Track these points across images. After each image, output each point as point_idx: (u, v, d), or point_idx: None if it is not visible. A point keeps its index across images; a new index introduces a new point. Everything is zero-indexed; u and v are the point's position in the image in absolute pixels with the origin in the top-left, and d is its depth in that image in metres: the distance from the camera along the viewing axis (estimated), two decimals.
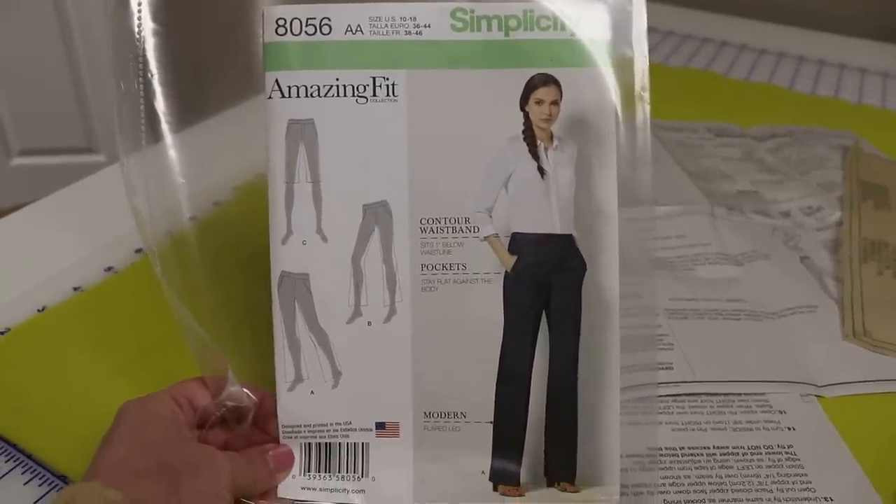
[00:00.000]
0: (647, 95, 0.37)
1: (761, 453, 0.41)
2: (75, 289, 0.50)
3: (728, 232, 0.57)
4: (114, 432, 0.33)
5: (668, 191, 0.61)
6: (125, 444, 0.32)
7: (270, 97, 0.36)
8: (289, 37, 0.36)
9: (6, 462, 0.39)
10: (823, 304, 0.51)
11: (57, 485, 0.38)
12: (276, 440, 0.37)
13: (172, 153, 0.37)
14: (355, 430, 0.37)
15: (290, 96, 0.36)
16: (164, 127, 0.37)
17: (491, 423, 0.37)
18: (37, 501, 0.37)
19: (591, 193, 0.37)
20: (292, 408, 0.37)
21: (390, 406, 0.37)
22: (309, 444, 0.37)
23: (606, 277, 0.37)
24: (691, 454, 0.41)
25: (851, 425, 0.43)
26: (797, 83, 0.86)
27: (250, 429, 0.38)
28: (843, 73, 0.89)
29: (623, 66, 0.37)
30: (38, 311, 0.49)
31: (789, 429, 0.42)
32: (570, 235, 0.37)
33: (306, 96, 0.36)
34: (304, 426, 0.37)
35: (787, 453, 0.41)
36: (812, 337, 0.49)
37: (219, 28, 0.41)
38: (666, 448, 0.41)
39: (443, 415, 0.37)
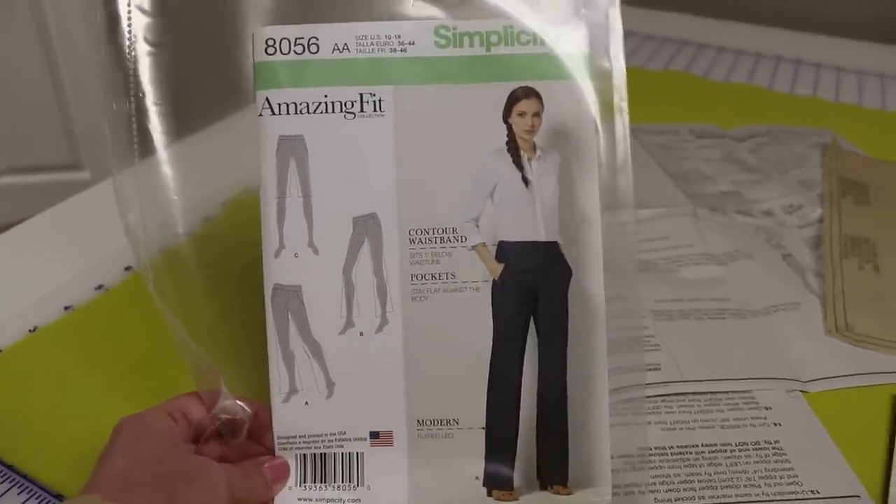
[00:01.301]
0: (625, 106, 0.38)
1: (749, 449, 0.42)
2: (66, 308, 0.51)
3: (711, 232, 0.58)
4: (111, 447, 0.33)
5: (650, 194, 0.62)
6: (122, 458, 0.33)
7: (261, 115, 0.37)
8: (278, 56, 0.37)
9: (2, 482, 0.40)
10: (806, 300, 0.52)
11: (53, 503, 0.39)
12: (272, 452, 0.38)
13: (164, 170, 0.38)
14: (350, 439, 0.38)
15: (280, 113, 0.37)
16: (156, 144, 0.37)
17: (483, 428, 0.38)
18: None
19: (574, 201, 0.38)
20: (287, 419, 0.38)
21: (384, 415, 0.38)
22: (304, 454, 0.38)
23: (592, 283, 0.38)
24: (681, 453, 0.42)
25: (836, 419, 0.44)
26: (776, 83, 0.87)
27: (246, 442, 0.38)
28: (819, 71, 0.91)
29: (602, 78, 0.38)
30: (30, 331, 0.49)
31: (775, 424, 0.43)
32: (556, 242, 0.38)
33: (296, 113, 0.37)
34: (300, 437, 0.38)
35: (773, 448, 0.42)
36: (796, 333, 0.50)
37: (206, 45, 0.42)
38: (656, 447, 0.42)
39: (436, 422, 0.38)
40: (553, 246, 0.38)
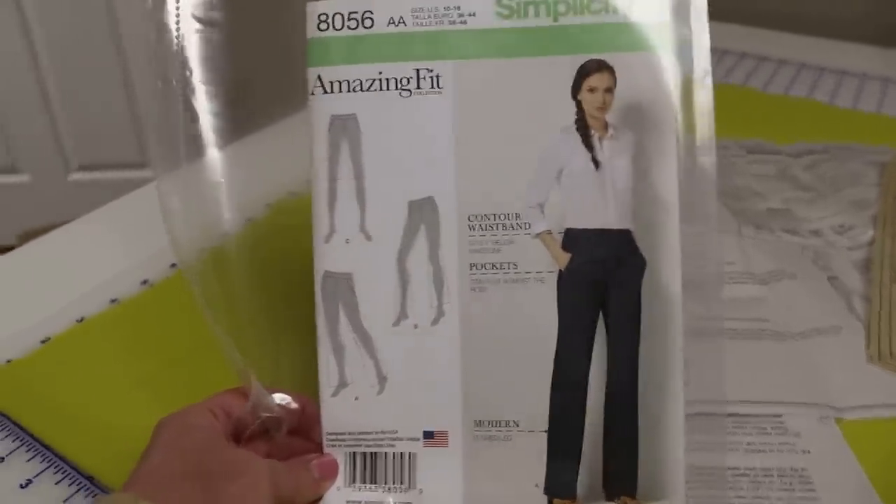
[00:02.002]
0: (709, 80, 0.35)
1: (773, 476, 0.39)
2: (112, 300, 0.51)
3: (755, 251, 0.56)
4: (151, 444, 0.32)
5: (693, 208, 0.60)
6: (161, 455, 0.32)
7: (313, 93, 0.35)
8: (331, 31, 0.35)
9: (41, 462, 0.40)
10: (849, 325, 0.49)
11: (84, 485, 0.39)
12: (321, 449, 0.36)
13: (210, 168, 0.37)
14: (402, 439, 0.35)
15: (332, 92, 0.35)
16: (205, 141, 0.36)
17: (545, 432, 0.35)
18: (66, 500, 0.38)
19: (650, 185, 0.34)
20: (336, 414, 0.35)
21: (439, 414, 0.35)
22: (353, 453, 0.36)
23: (668, 275, 0.34)
24: (700, 474, 0.38)
25: (870, 450, 0.40)
26: (838, 98, 0.82)
27: (293, 438, 0.36)
28: (887, 87, 0.85)
29: (682, 50, 0.34)
30: (77, 321, 0.50)
31: (804, 451, 0.40)
32: (628, 230, 0.34)
33: (349, 91, 0.35)
34: (349, 434, 0.36)
35: (800, 476, 0.39)
36: (835, 358, 0.46)
37: (266, 39, 0.40)
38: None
39: (494, 423, 0.35)
40: (625, 234, 0.34)
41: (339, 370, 0.35)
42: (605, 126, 0.34)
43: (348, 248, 0.35)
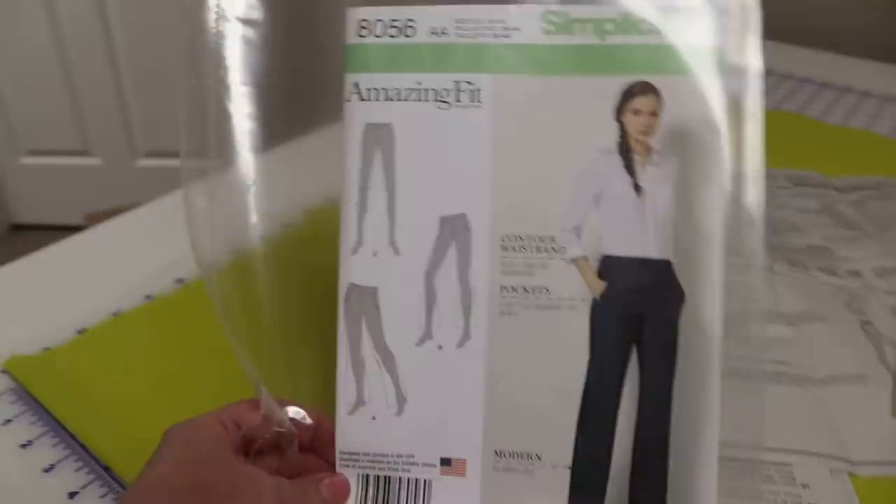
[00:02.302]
0: (759, 111, 0.33)
1: None
2: (147, 297, 0.52)
3: (785, 289, 0.53)
4: (157, 452, 0.31)
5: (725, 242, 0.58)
6: (164, 464, 0.31)
7: (349, 99, 0.34)
8: (371, 38, 0.34)
9: (63, 449, 0.42)
10: (877, 374, 0.47)
11: (101, 475, 0.40)
12: (333, 468, 0.34)
13: (241, 171, 0.36)
14: (418, 464, 0.34)
15: (369, 99, 0.34)
16: (237, 143, 0.35)
17: (569, 468, 0.33)
18: (84, 487, 0.40)
19: (693, 215, 0.33)
20: (351, 433, 0.34)
21: (458, 441, 0.34)
22: (367, 475, 0.34)
23: (708, 310, 0.32)
24: None
25: None
26: None
27: (306, 455, 0.35)
28: None
29: (732, 76, 0.33)
30: (113, 314, 0.51)
31: None
32: (668, 261, 0.33)
33: (386, 99, 0.34)
34: (363, 455, 0.34)
35: None
36: (856, 409, 0.44)
37: (308, 42, 0.40)
38: None
39: (515, 455, 0.33)
40: (665, 265, 0.33)
41: (357, 388, 0.34)
42: (649, 151, 0.33)
43: (375, 262, 0.34)
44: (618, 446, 0.33)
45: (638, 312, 0.33)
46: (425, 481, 0.34)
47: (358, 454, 0.34)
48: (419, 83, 0.34)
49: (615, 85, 0.33)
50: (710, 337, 0.32)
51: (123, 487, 0.40)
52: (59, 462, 0.41)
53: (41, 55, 1.59)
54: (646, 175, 0.33)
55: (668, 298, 0.33)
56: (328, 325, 0.35)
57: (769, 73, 0.85)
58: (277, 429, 0.33)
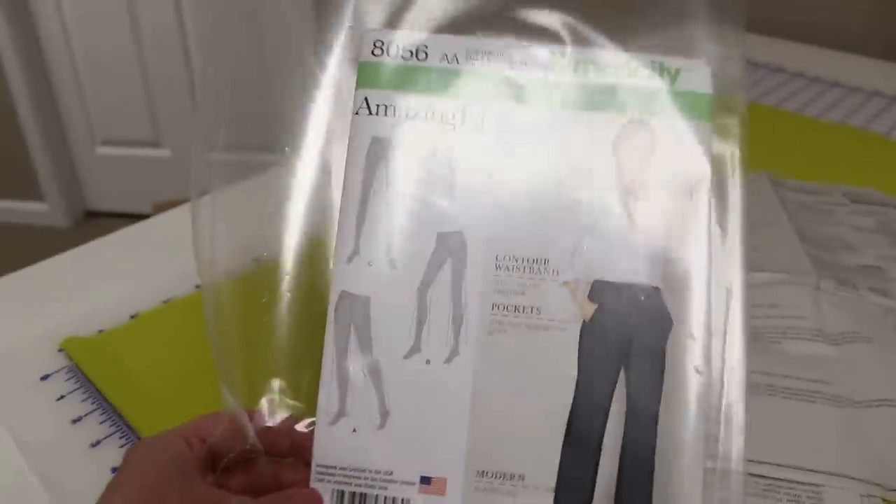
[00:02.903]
0: (743, 153, 0.35)
1: None
2: (197, 286, 0.54)
3: (831, 308, 0.52)
4: (117, 475, 0.30)
5: (771, 256, 0.56)
6: (124, 490, 0.29)
7: (357, 113, 0.35)
8: (384, 58, 0.36)
9: (110, 427, 0.44)
10: None
11: None
12: (307, 483, 0.33)
13: (251, 191, 0.36)
14: (396, 482, 0.33)
15: (377, 114, 0.35)
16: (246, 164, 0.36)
17: (552, 490, 0.32)
18: None
19: (681, 248, 0.34)
20: (330, 445, 0.33)
21: (439, 458, 0.33)
22: (342, 491, 0.33)
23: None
24: None
25: None
26: None
27: (281, 467, 0.33)
28: None
29: (722, 121, 0.35)
30: (164, 301, 0.54)
31: None
32: (657, 288, 0.34)
33: (393, 116, 0.35)
34: (340, 469, 0.33)
35: None
36: (895, 434, 0.43)
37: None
38: None
39: (498, 475, 0.33)
40: (655, 292, 0.34)
41: (340, 398, 0.33)
42: (642, 185, 0.35)
43: (370, 272, 0.34)
44: (602, 469, 0.32)
45: (627, 336, 0.33)
46: (402, 500, 0.33)
47: (335, 468, 0.33)
48: (427, 104, 0.35)
49: (614, 122, 0.35)
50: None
51: None
52: (105, 438, 0.44)
53: (121, 55, 1.73)
54: (638, 207, 0.34)
55: (656, 324, 0.33)
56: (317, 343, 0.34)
57: (836, 84, 0.81)
58: (242, 446, 0.32)
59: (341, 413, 0.33)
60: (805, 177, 0.69)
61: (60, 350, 0.50)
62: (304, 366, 0.35)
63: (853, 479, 0.40)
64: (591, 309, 0.34)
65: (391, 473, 0.33)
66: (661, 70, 0.35)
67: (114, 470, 0.41)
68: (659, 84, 0.35)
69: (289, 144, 0.37)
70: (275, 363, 0.36)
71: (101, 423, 0.44)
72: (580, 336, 0.33)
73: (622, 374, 0.33)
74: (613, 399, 0.33)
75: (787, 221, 0.62)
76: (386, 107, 0.35)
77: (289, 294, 0.36)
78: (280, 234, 0.35)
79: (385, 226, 0.34)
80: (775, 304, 0.52)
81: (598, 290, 0.34)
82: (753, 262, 0.57)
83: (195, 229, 0.36)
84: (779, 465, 0.40)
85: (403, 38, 0.36)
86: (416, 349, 0.34)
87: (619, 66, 0.35)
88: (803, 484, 0.40)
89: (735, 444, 0.33)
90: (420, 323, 0.34)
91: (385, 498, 0.33)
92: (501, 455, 0.33)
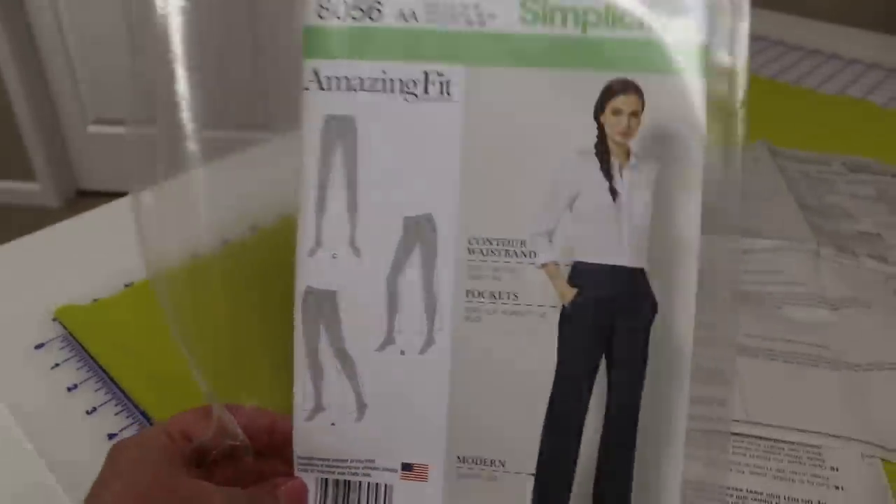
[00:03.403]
0: (743, 112, 0.32)
1: None
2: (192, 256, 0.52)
3: (831, 274, 0.53)
4: (102, 474, 0.30)
5: (773, 224, 0.57)
6: (110, 488, 0.29)
7: (307, 88, 0.31)
8: (332, 20, 0.31)
9: (105, 394, 0.45)
10: None
11: (139, 420, 0.43)
12: (291, 470, 0.33)
13: (194, 182, 0.33)
14: (378, 468, 0.33)
15: (329, 89, 0.31)
16: (190, 154, 0.32)
17: (533, 474, 0.32)
18: (123, 430, 0.43)
19: (670, 223, 0.31)
20: (309, 439, 0.33)
21: (420, 446, 0.33)
22: (326, 479, 0.33)
23: (680, 321, 0.31)
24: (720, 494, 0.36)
25: None
26: None
27: (263, 460, 0.34)
28: None
29: (719, 76, 0.31)
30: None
31: (837, 487, 0.38)
32: (642, 270, 0.32)
33: (348, 90, 0.31)
34: (322, 460, 0.33)
35: None
36: (895, 397, 0.44)
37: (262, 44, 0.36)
38: (695, 482, 0.36)
39: (478, 461, 0.33)
40: (638, 273, 0.32)
41: (315, 394, 0.33)
42: (628, 154, 0.31)
43: (335, 264, 0.32)
44: (583, 454, 0.32)
45: (608, 322, 0.32)
46: (386, 486, 0.33)
47: (316, 459, 0.33)
48: (385, 72, 0.31)
49: (595, 81, 0.31)
50: (681, 349, 0.31)
51: None
52: (100, 406, 0.44)
53: (112, 32, 1.64)
54: (623, 179, 0.31)
55: (640, 308, 0.32)
56: (286, 327, 0.33)
57: (834, 56, 0.85)
58: (231, 442, 0.32)
59: (318, 408, 0.33)
60: (804, 147, 0.69)
61: (54, 319, 0.49)
62: (279, 357, 0.34)
63: (853, 440, 0.41)
64: (571, 293, 0.32)
65: (373, 461, 0.33)
66: (649, 20, 0.31)
67: (110, 437, 0.42)
68: (645, 34, 0.31)
69: (272, 123, 0.33)
70: (250, 355, 0.35)
71: (96, 390, 0.45)
72: (560, 321, 0.32)
73: (604, 359, 0.32)
74: (595, 383, 0.32)
75: (786, 190, 0.61)
76: (338, 79, 0.31)
77: (261, 280, 0.35)
78: (249, 216, 0.33)
79: (347, 214, 0.32)
80: (776, 270, 0.52)
81: (579, 273, 0.32)
82: (754, 230, 0.55)
83: (139, 215, 0.33)
84: (780, 427, 0.41)
85: None
86: (389, 341, 0.32)
87: (599, 13, 0.31)
88: (804, 445, 0.40)
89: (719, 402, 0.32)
90: (392, 314, 0.32)
91: (368, 484, 0.33)
92: (481, 441, 0.33)
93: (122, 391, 0.45)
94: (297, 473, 0.33)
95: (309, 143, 0.32)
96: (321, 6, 0.31)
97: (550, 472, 0.32)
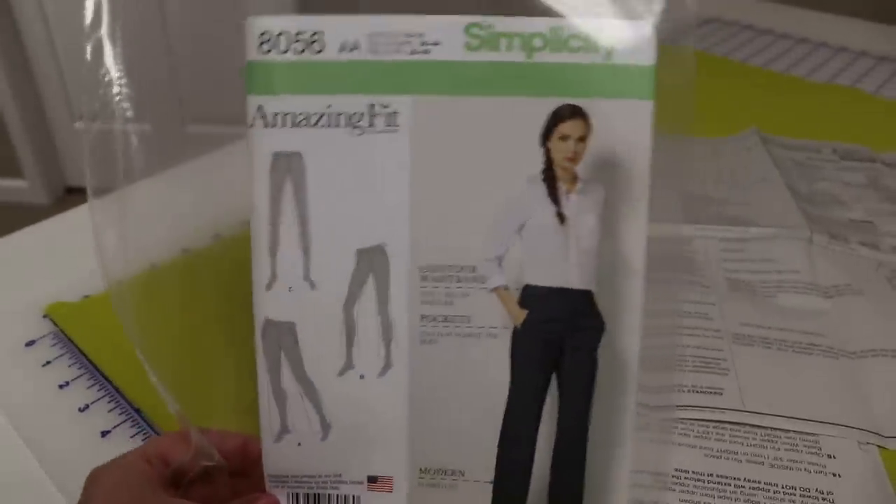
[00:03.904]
0: (690, 131, 0.32)
1: (795, 494, 0.38)
2: (184, 250, 0.51)
3: (824, 261, 0.53)
4: (84, 500, 0.31)
5: (764, 212, 0.57)
6: None
7: (252, 125, 0.31)
8: (274, 55, 0.31)
9: (98, 391, 0.45)
10: None
11: (132, 415, 0.44)
12: (263, 489, 0.35)
13: (150, 192, 0.33)
14: (346, 482, 0.35)
15: (275, 125, 0.31)
16: (144, 163, 0.32)
17: (491, 482, 0.34)
18: (116, 426, 0.43)
19: (617, 245, 0.32)
20: (278, 459, 0.34)
21: (383, 460, 0.35)
22: (297, 493, 0.35)
23: (626, 340, 0.33)
24: (718, 482, 0.39)
25: None
26: None
27: (236, 479, 0.35)
28: None
29: (667, 97, 0.31)
30: (151, 266, 0.51)
31: (835, 475, 0.39)
32: (589, 291, 0.33)
33: (293, 126, 0.31)
34: (291, 476, 0.35)
35: (824, 499, 0.38)
36: (890, 384, 0.44)
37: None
38: (693, 472, 0.40)
39: (439, 472, 0.35)
40: (586, 295, 0.33)
41: (281, 418, 0.34)
42: (574, 178, 0.32)
43: (291, 297, 0.33)
44: (537, 463, 0.34)
45: (558, 340, 0.33)
46: (353, 497, 0.35)
47: (286, 476, 0.35)
48: (329, 106, 0.31)
49: (542, 107, 0.31)
50: (628, 365, 0.33)
51: (153, 428, 0.43)
52: (93, 402, 0.44)
53: None
54: (570, 204, 0.32)
55: (588, 328, 0.33)
56: (249, 337, 0.34)
57: (823, 45, 0.85)
58: (207, 463, 0.33)
59: (284, 430, 0.34)
60: (795, 135, 0.68)
61: (45, 316, 0.49)
62: (244, 367, 0.35)
63: (850, 427, 0.41)
64: (521, 315, 0.33)
65: (340, 476, 0.35)
66: (596, 44, 0.30)
67: (103, 434, 0.43)
68: (590, 58, 0.31)
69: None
70: (214, 366, 0.36)
71: (88, 387, 0.45)
72: (512, 342, 0.33)
73: (554, 376, 0.33)
74: (547, 397, 0.34)
75: (778, 177, 0.61)
76: (284, 115, 0.31)
77: (223, 289, 0.35)
78: (212, 224, 0.33)
79: (300, 248, 0.32)
80: (769, 258, 0.52)
81: (529, 296, 0.33)
82: (746, 218, 0.55)
83: (96, 227, 0.33)
84: (776, 416, 0.42)
85: (293, 26, 0.30)
86: (348, 366, 0.34)
87: (545, 38, 0.31)
88: (801, 433, 0.41)
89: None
90: (349, 341, 0.33)
91: (338, 496, 0.35)
92: (441, 454, 0.34)
93: (115, 388, 0.45)
94: (269, 490, 0.35)
95: (258, 180, 0.32)
96: (262, 40, 0.30)
97: (507, 480, 0.34)
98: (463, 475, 0.34)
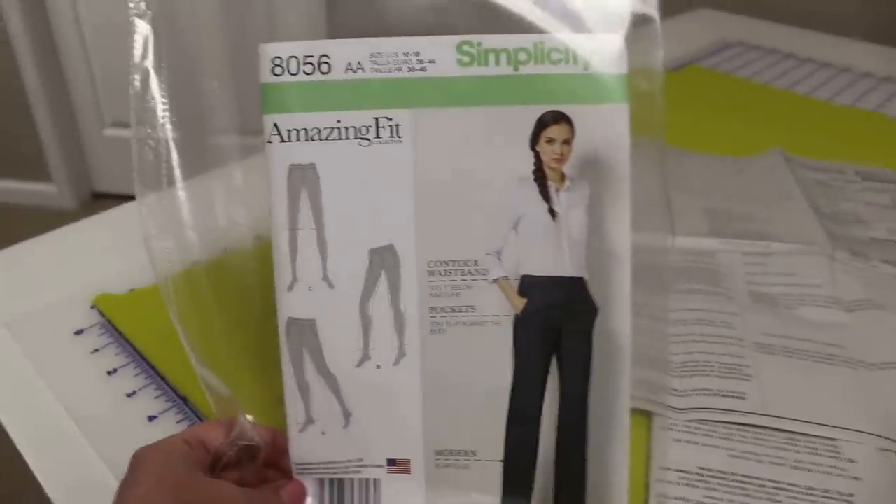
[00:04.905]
0: (663, 133, 0.35)
1: (816, 495, 0.39)
2: (225, 250, 0.50)
3: (845, 277, 0.54)
4: (131, 475, 0.33)
5: (788, 228, 0.59)
6: (143, 486, 0.33)
7: (269, 141, 0.35)
8: (286, 77, 0.34)
9: (145, 379, 0.48)
10: None
11: (177, 402, 0.46)
12: (290, 477, 0.38)
13: (193, 193, 0.36)
14: (367, 465, 0.38)
15: (290, 140, 0.35)
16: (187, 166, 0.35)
17: (501, 461, 0.37)
18: (163, 412, 0.46)
19: (604, 235, 0.36)
20: (304, 448, 0.37)
21: (401, 444, 0.38)
22: (322, 479, 0.38)
23: (618, 321, 0.36)
24: (741, 482, 0.40)
25: None
26: None
27: (263, 468, 0.38)
28: None
29: (640, 102, 0.35)
30: (193, 263, 0.52)
31: (854, 478, 0.40)
32: (581, 278, 0.36)
33: (307, 140, 0.35)
34: (316, 463, 0.38)
35: (845, 501, 0.39)
36: None
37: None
38: (717, 471, 0.41)
39: (453, 453, 0.37)
40: (579, 282, 0.36)
41: (305, 409, 0.37)
42: (562, 177, 0.35)
43: (311, 296, 0.36)
44: (543, 441, 0.37)
45: (556, 325, 0.36)
46: (374, 480, 0.38)
47: (311, 463, 0.38)
48: (339, 121, 0.34)
49: (530, 114, 0.35)
50: (621, 345, 0.36)
51: (198, 415, 0.45)
52: (140, 389, 0.47)
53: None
54: (560, 200, 0.35)
55: (582, 312, 0.36)
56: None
57: (847, 70, 0.87)
58: (247, 443, 0.36)
59: (309, 421, 0.37)
60: (818, 156, 0.70)
61: (93, 307, 0.52)
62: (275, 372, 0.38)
63: (869, 434, 0.43)
64: (521, 303, 0.36)
65: (361, 460, 0.38)
66: (575, 55, 0.34)
67: (150, 419, 0.45)
68: (570, 69, 0.34)
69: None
70: (252, 368, 0.39)
71: (135, 375, 0.48)
72: (514, 328, 0.36)
73: (554, 358, 0.37)
74: (548, 379, 0.37)
75: (801, 196, 0.62)
76: (298, 131, 0.34)
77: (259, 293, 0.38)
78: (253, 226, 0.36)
79: (318, 251, 0.36)
80: (791, 272, 0.54)
81: (527, 285, 0.36)
82: (769, 233, 0.57)
83: (144, 223, 0.36)
84: (797, 420, 0.43)
85: (302, 50, 0.34)
86: (366, 357, 0.37)
87: (529, 52, 0.34)
88: (821, 438, 0.42)
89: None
90: (366, 334, 0.36)
91: (359, 480, 0.38)
92: (454, 436, 0.37)
93: (160, 375, 0.47)
94: (295, 477, 0.38)
95: (276, 191, 0.35)
96: (275, 64, 0.34)
97: (516, 457, 0.37)
98: (475, 455, 0.37)
